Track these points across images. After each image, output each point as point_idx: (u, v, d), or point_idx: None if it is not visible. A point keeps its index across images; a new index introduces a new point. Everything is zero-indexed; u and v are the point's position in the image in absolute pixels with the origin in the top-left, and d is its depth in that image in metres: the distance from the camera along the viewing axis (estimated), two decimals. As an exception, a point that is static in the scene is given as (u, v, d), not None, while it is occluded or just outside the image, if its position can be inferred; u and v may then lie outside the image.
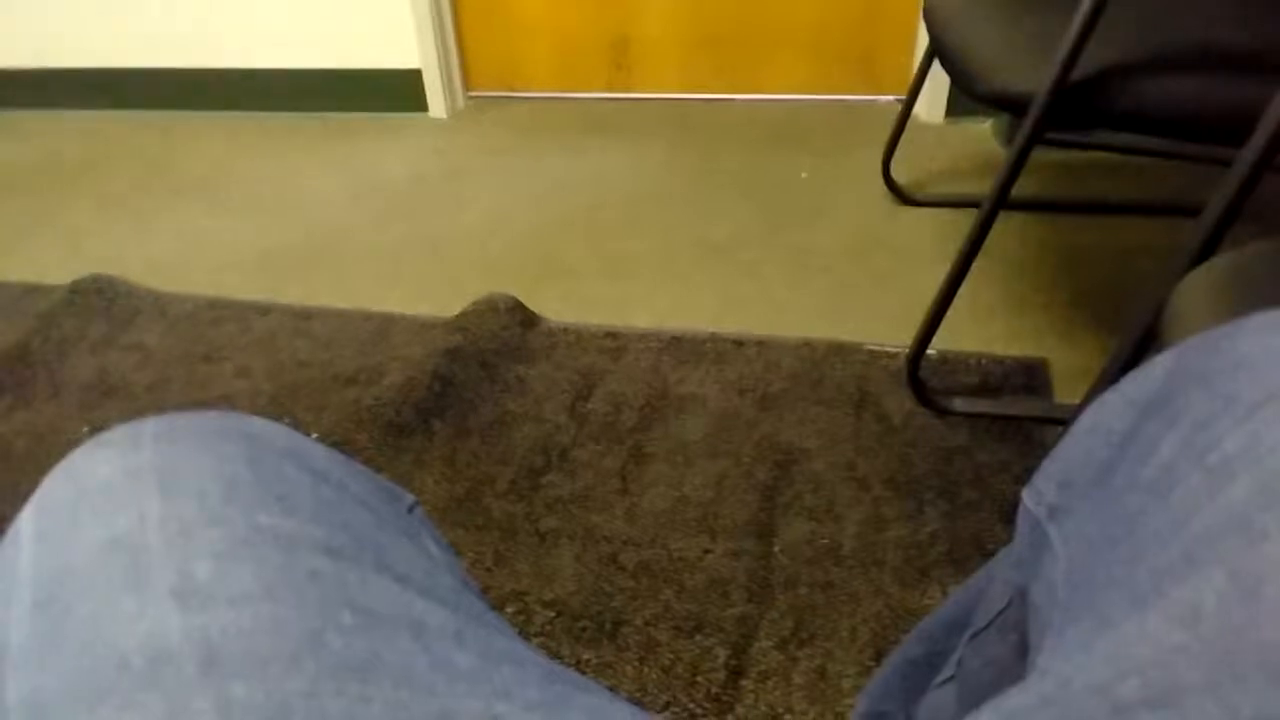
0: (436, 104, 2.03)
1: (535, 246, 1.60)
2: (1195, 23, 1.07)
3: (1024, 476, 0.41)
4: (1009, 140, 1.80)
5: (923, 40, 1.82)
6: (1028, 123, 0.98)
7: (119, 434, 0.36)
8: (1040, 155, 1.72)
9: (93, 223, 1.74)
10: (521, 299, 1.41)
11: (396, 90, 2.03)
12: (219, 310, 1.44)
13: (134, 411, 1.24)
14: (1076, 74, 0.96)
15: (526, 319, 1.38)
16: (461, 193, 1.77)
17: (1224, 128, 0.94)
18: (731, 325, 1.36)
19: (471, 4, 2.00)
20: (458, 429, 1.16)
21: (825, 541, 0.97)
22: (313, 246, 1.63)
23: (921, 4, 1.73)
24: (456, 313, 1.39)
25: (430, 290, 1.49)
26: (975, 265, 1.12)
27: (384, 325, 1.39)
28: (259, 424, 0.39)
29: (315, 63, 2.03)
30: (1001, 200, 1.06)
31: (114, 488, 0.33)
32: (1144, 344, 0.87)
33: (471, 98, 2.11)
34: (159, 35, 2.03)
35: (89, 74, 2.10)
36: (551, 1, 1.98)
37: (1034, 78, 0.98)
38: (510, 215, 1.69)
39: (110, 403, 1.26)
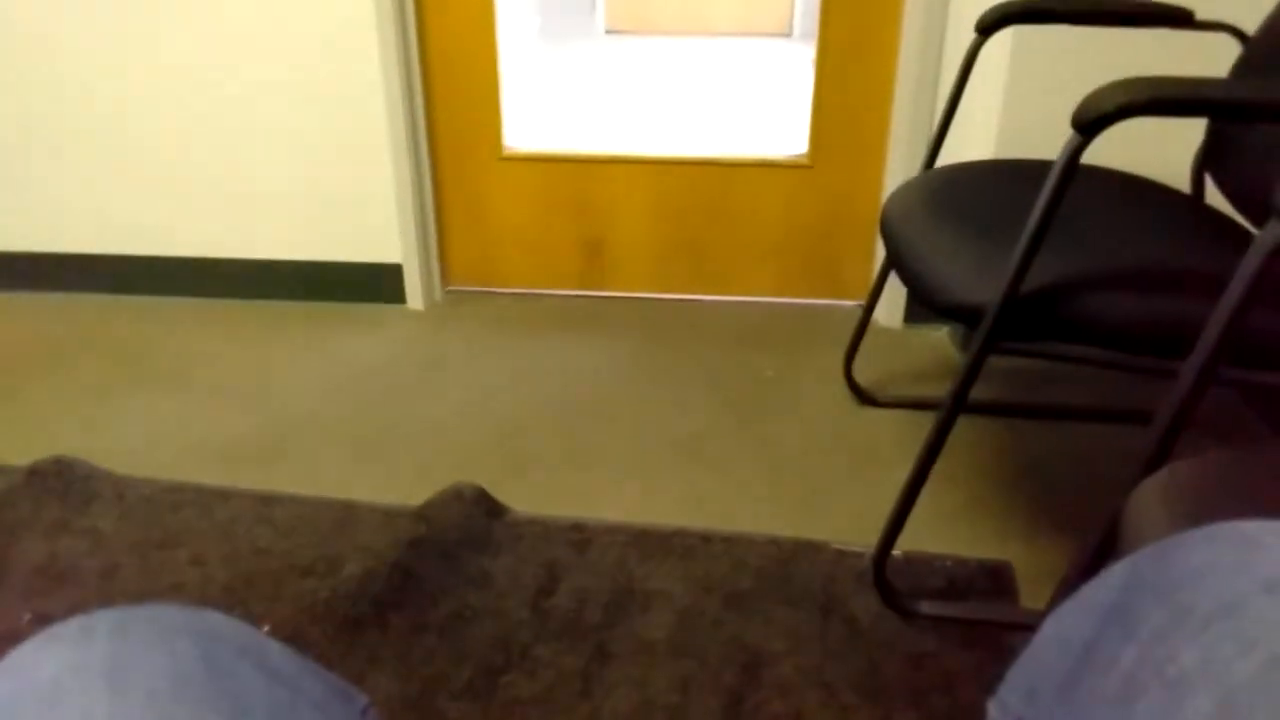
0: (414, 297, 2.09)
1: (505, 437, 1.61)
2: (1136, 242, 1.15)
3: (992, 683, 0.40)
4: (965, 347, 1.87)
5: (881, 251, 1.92)
6: (980, 333, 1.03)
7: (71, 628, 0.35)
8: (997, 360, 1.79)
9: (60, 405, 1.73)
10: (488, 489, 1.40)
11: (376, 282, 2.09)
12: (179, 495, 1.42)
13: (80, 599, 1.20)
14: (1025, 288, 1.01)
15: (492, 509, 1.37)
16: (434, 383, 1.79)
17: (1167, 341, 0.99)
18: (698, 520, 1.36)
19: (453, 205, 2.10)
20: (415, 623, 1.13)
21: (793, 751, 0.93)
22: (281, 434, 1.63)
23: (879, 217, 1.84)
24: (422, 502, 1.38)
25: (397, 479, 1.49)
26: (936, 467, 1.15)
27: (346, 514, 1.37)
28: (215, 619, 0.38)
29: (296, 254, 2.10)
30: (958, 405, 1.09)
31: (60, 686, 0.32)
32: (1103, 550, 0.88)
33: (449, 292, 2.17)
34: (139, 224, 2.10)
35: (66, 259, 2.15)
36: (530, 204, 2.09)
37: (985, 291, 1.03)
38: (481, 406, 1.71)
39: (57, 590, 1.21)
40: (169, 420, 1.68)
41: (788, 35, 4.93)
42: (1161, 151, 1.52)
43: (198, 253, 2.12)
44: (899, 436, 1.59)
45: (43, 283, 2.18)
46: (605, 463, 1.53)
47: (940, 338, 1.93)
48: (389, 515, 1.36)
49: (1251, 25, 1.34)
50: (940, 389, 1.74)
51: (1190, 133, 1.40)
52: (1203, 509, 0.63)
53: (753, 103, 3.92)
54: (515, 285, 2.17)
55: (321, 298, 2.13)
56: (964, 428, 1.60)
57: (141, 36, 1.91)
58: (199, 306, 2.12)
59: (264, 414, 1.69)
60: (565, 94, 4.05)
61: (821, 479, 1.48)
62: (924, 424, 1.61)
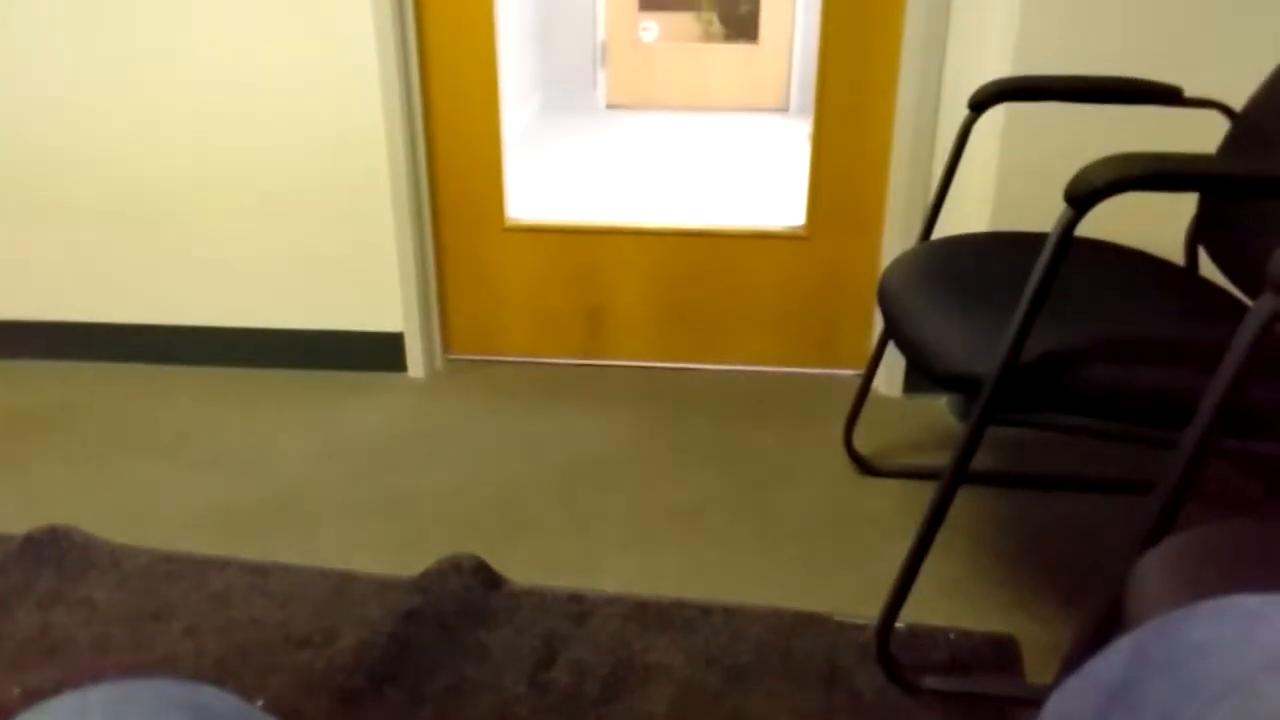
0: (415, 365, 2.10)
1: (503, 506, 1.60)
2: (1132, 313, 1.16)
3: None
4: (964, 416, 1.87)
5: (879, 320, 1.93)
6: (979, 404, 1.03)
7: (65, 703, 0.35)
8: (997, 430, 1.79)
9: (58, 473, 1.73)
10: (486, 559, 1.39)
11: (376, 351, 2.10)
12: (174, 565, 1.41)
13: (71, 672, 1.18)
14: (1023, 358, 1.02)
15: (490, 580, 1.35)
16: (434, 452, 1.79)
17: (1166, 412, 0.99)
18: (698, 591, 1.35)
19: (456, 274, 2.12)
20: (411, 696, 1.11)
21: (796, 832, 0.91)
22: (279, 502, 1.62)
23: (877, 288, 1.85)
24: (419, 572, 1.37)
25: (395, 549, 1.47)
26: (939, 538, 1.14)
27: (343, 584, 1.36)
28: (209, 694, 0.38)
29: (297, 323, 2.11)
30: (959, 476, 1.09)
31: (55, 763, 0.31)
32: (1107, 623, 0.87)
33: (450, 360, 2.18)
34: (139, 291, 2.11)
35: (64, 327, 2.16)
36: (531, 274, 2.11)
37: (983, 361, 1.04)
38: (481, 474, 1.70)
39: (48, 661, 1.20)
40: (167, 488, 1.67)
41: (784, 110, 5.03)
42: (1155, 224, 1.54)
43: (198, 321, 2.13)
44: (900, 506, 1.59)
45: (42, 350, 2.19)
46: (605, 532, 1.52)
47: (940, 407, 1.94)
48: (386, 586, 1.35)
49: (1238, 102, 1.38)
50: (941, 458, 1.73)
51: (1183, 206, 1.43)
52: (1206, 582, 0.63)
53: (751, 175, 3.99)
54: (516, 353, 2.18)
55: (322, 366, 2.13)
56: (965, 498, 1.59)
57: (143, 104, 1.95)
58: (199, 375, 2.12)
59: (262, 483, 1.68)
60: (567, 166, 4.12)
61: (823, 549, 1.47)
62: (925, 494, 1.60)
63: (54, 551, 1.43)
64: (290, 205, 2.01)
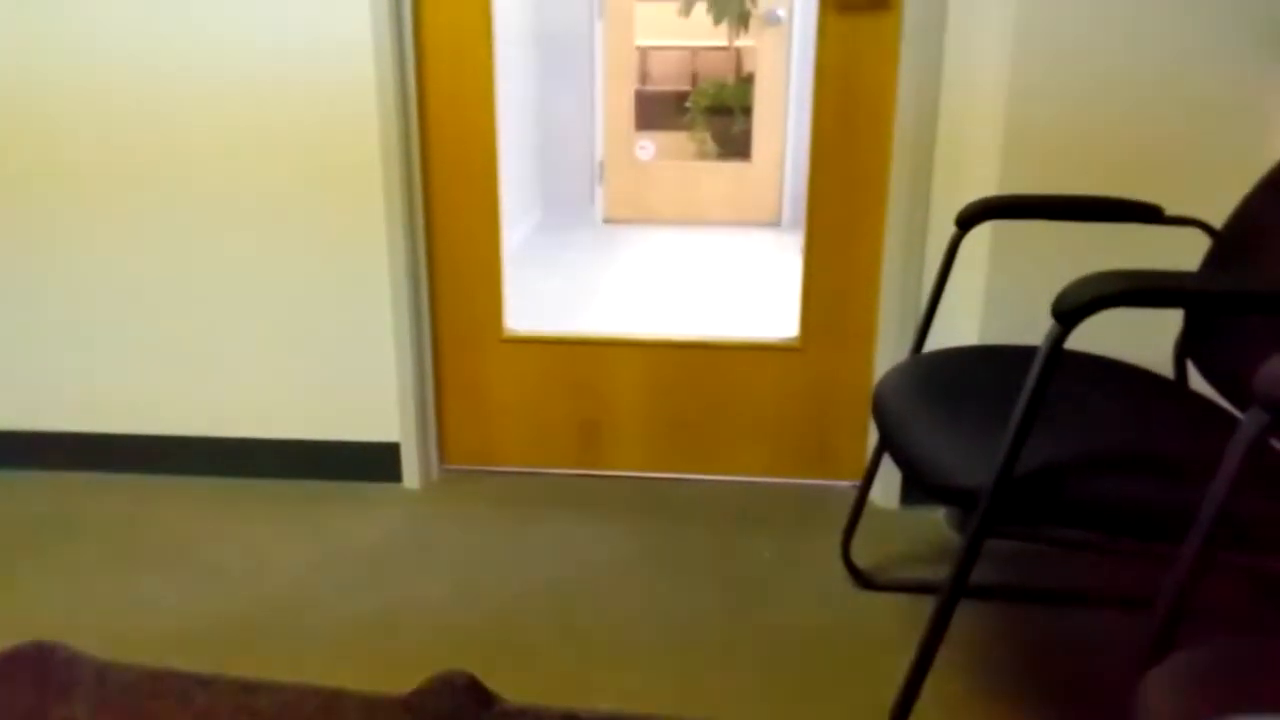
0: (411, 476, 2.09)
1: (498, 622, 1.57)
2: (1125, 427, 1.17)
3: None
4: (961, 529, 1.86)
5: (874, 432, 1.94)
6: (975, 517, 1.03)
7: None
8: (996, 543, 1.78)
9: (44, 586, 1.70)
10: (480, 677, 1.36)
11: (372, 461, 2.10)
12: (160, 682, 1.37)
13: (46, 796, 1.14)
14: (1018, 471, 1.03)
15: (482, 698, 1.32)
16: (428, 565, 1.77)
17: (1162, 526, 0.99)
18: (695, 710, 1.31)
19: (453, 385, 2.14)
20: (399, 824, 1.07)
21: None
22: (270, 616, 1.59)
23: (871, 400, 1.87)
24: (410, 690, 1.34)
25: (386, 665, 1.44)
26: (939, 654, 1.12)
27: (331, 701, 1.32)
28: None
29: (294, 434, 2.11)
30: (958, 591, 1.08)
31: None
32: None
33: (446, 470, 2.17)
34: (133, 401, 2.12)
35: (54, 437, 2.16)
36: (528, 385, 2.12)
37: (978, 474, 1.04)
38: (475, 589, 1.68)
39: (22, 785, 1.15)
40: (157, 602, 1.64)
41: (777, 225, 5.15)
42: (1145, 337, 1.57)
43: (191, 431, 2.13)
44: (900, 621, 1.56)
45: (31, 461, 2.18)
46: (601, 649, 1.49)
47: (937, 520, 1.93)
48: (374, 705, 1.31)
49: (1218, 220, 1.42)
50: (940, 571, 1.72)
51: (1171, 318, 1.46)
52: (1208, 703, 0.62)
53: (745, 288, 4.05)
54: (512, 464, 2.17)
55: (317, 476, 2.12)
56: (965, 612, 1.57)
57: (136, 210, 2.00)
58: (192, 485, 2.11)
59: (253, 596, 1.66)
60: (565, 279, 4.19)
61: (822, 667, 1.44)
62: (925, 608, 1.58)
63: (37, 669, 1.39)
64: (288, 315, 2.03)
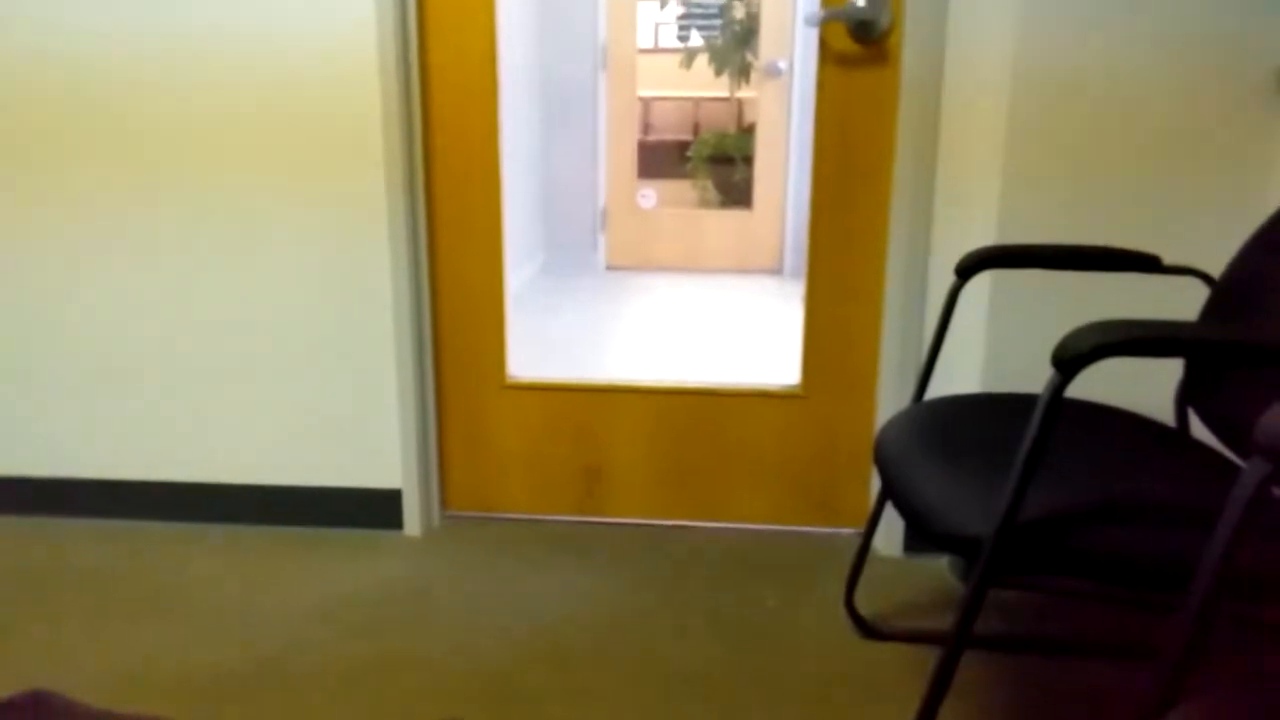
0: (412, 522, 2.09)
1: (497, 672, 1.56)
2: (1128, 475, 1.17)
3: None
4: (965, 578, 1.85)
5: (877, 479, 1.93)
6: (979, 566, 1.02)
7: None
8: (1001, 592, 1.77)
9: (41, 634, 1.69)
10: (478, 728, 1.35)
11: (373, 508, 2.10)
12: (156, 731, 1.36)
13: None
14: (1020, 520, 1.02)
15: (482, 750, 1.30)
16: (427, 613, 1.76)
17: (1167, 575, 0.99)
18: (697, 763, 1.30)
19: (455, 431, 2.14)
20: None
21: None
22: (269, 665, 1.58)
23: (873, 448, 1.87)
24: (409, 741, 1.32)
25: (385, 715, 1.43)
26: (944, 705, 1.11)
27: (330, 753, 1.31)
28: None
29: (294, 480, 2.11)
30: (962, 641, 1.07)
31: None
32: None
33: (447, 517, 2.17)
34: (135, 448, 2.12)
35: (50, 483, 2.16)
36: (531, 431, 2.12)
37: (981, 523, 1.04)
38: (475, 638, 1.67)
39: (14, 837, 1.14)
40: (154, 650, 1.63)
41: (779, 272, 5.18)
42: (1146, 385, 1.57)
43: (192, 477, 2.13)
44: (904, 671, 1.55)
45: (30, 507, 2.18)
46: (601, 700, 1.48)
47: (941, 568, 1.91)
48: (374, 755, 1.30)
49: (1216, 269, 1.43)
50: (944, 620, 1.70)
51: (1173, 365, 1.46)
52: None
53: (747, 335, 4.06)
54: (514, 510, 2.17)
55: (318, 523, 2.12)
56: (970, 662, 1.55)
57: (136, 261, 2.02)
58: (190, 532, 2.11)
59: (250, 644, 1.64)
60: (568, 325, 4.20)
61: (825, 717, 1.42)
62: (929, 658, 1.57)
63: (35, 717, 1.38)
64: (290, 359, 2.04)
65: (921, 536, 1.11)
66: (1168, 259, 1.50)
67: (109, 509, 2.16)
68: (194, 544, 2.05)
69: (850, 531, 2.07)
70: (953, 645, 1.08)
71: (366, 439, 2.07)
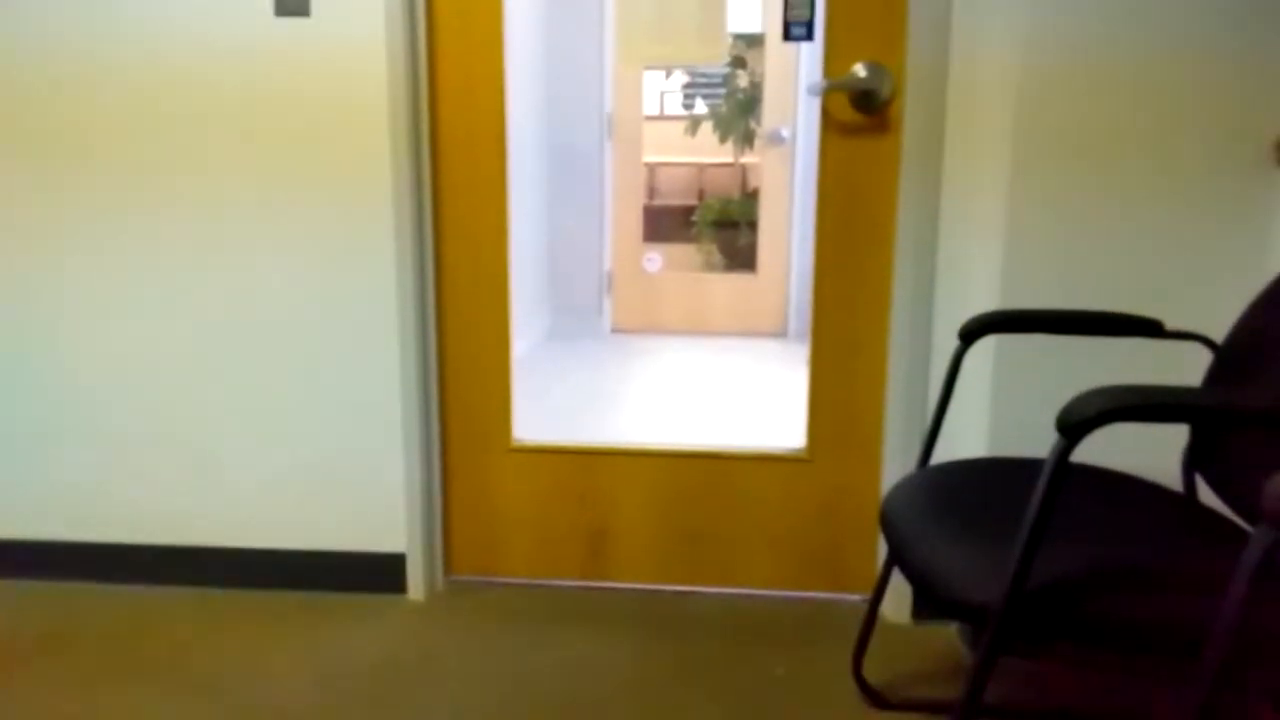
0: (416, 587, 2.07)
1: (499, 740, 1.53)
2: (1137, 542, 1.16)
3: None
4: (974, 646, 1.82)
5: (883, 545, 1.92)
6: (987, 634, 1.01)
7: None
8: (1011, 660, 1.74)
9: (44, 700, 1.67)
10: (480, 799, 1.32)
11: (376, 572, 2.08)
12: (152, 802, 1.33)
13: None
14: (1029, 587, 1.02)
15: (483, 823, 1.28)
16: (429, 682, 1.73)
17: (1176, 643, 0.98)
18: (704, 837, 1.27)
19: (460, 494, 2.13)
20: None
21: None
22: (266, 732, 1.56)
23: (879, 514, 1.85)
24: (409, 813, 1.30)
25: (383, 786, 1.40)
26: (955, 778, 1.09)
27: (328, 826, 1.28)
28: None
29: (298, 544, 2.10)
30: (972, 711, 1.06)
31: None
32: None
33: (451, 581, 2.15)
34: (134, 512, 2.11)
35: (53, 547, 2.14)
36: (536, 495, 2.12)
37: (988, 590, 1.03)
38: (477, 708, 1.64)
39: None
40: (153, 716, 1.61)
41: (783, 335, 5.20)
42: (1153, 447, 1.57)
43: (193, 541, 2.11)
44: (914, 742, 1.52)
45: (28, 570, 2.16)
46: (605, 769, 1.45)
47: (950, 635, 1.89)
48: (373, 828, 1.27)
49: (1218, 334, 1.44)
50: (953, 689, 1.67)
51: (1179, 429, 1.46)
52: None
53: (752, 398, 4.07)
54: (518, 575, 2.15)
55: (320, 588, 2.10)
56: (981, 733, 1.52)
57: (141, 321, 2.03)
58: (189, 596, 2.09)
59: (252, 712, 1.62)
60: (573, 388, 4.21)
61: (834, 790, 1.39)
62: (939, 729, 1.54)
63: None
64: (292, 421, 2.05)
65: (930, 603, 1.10)
66: (1171, 322, 1.51)
67: (100, 572, 2.14)
68: (191, 609, 2.03)
69: (858, 598, 2.05)
70: (962, 714, 1.06)
71: (370, 501, 2.07)
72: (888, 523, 1.29)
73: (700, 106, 5.35)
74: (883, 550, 1.96)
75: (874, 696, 1.65)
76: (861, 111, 1.87)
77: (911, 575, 1.17)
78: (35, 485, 2.13)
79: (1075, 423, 0.96)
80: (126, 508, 2.12)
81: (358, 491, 2.06)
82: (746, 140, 5.14)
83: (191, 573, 2.13)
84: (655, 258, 5.15)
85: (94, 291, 2.02)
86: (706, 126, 5.26)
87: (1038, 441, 1.71)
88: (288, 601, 2.06)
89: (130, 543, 2.13)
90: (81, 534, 2.14)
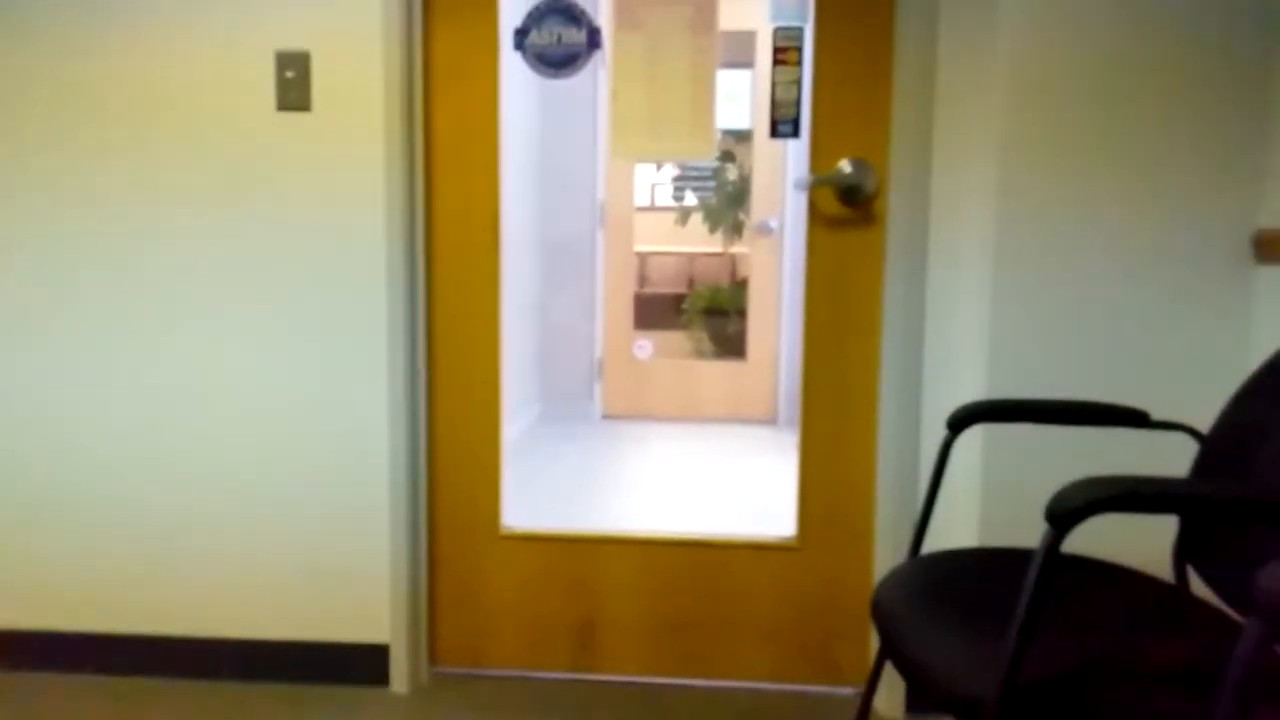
0: (399, 679, 2.03)
1: (483, 841, 1.48)
2: (1128, 634, 1.15)
3: None
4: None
5: (875, 635, 1.89)
6: (982, 728, 1.00)
7: None
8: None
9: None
10: None
11: (359, 663, 2.04)
12: None
13: None
14: (1022, 680, 1.00)
15: None
16: (411, 775, 1.68)
17: (1174, 739, 0.96)
18: None
19: (447, 583, 2.10)
20: None
21: None
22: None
23: (870, 605, 1.83)
24: None
25: None
26: None
27: None
28: None
29: (276, 634, 2.06)
30: (969, 808, 1.03)
31: None
32: None
33: (436, 673, 2.11)
34: (112, 600, 2.07)
35: (39, 637, 2.10)
36: (524, 584, 2.09)
37: (982, 683, 1.02)
38: (460, 803, 1.59)
39: None
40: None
41: (773, 422, 5.21)
42: (1144, 539, 1.57)
43: (172, 630, 2.07)
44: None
45: (16, 663, 2.11)
46: None
47: (945, 730, 1.85)
48: None
49: (1203, 424, 1.45)
50: (950, 788, 1.63)
51: (1170, 520, 1.46)
52: None
53: (742, 485, 4.05)
54: (505, 666, 2.11)
55: (302, 680, 2.05)
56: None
57: (130, 406, 2.02)
58: (167, 688, 2.04)
59: (226, 810, 1.57)
60: (563, 473, 4.19)
61: None
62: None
63: None
64: (276, 508, 2.03)
65: (923, 697, 1.09)
66: (1156, 411, 1.52)
67: (72, 663, 2.09)
68: (169, 701, 1.98)
69: (850, 690, 2.01)
70: (959, 814, 1.04)
71: (355, 591, 2.04)
72: (879, 614, 1.28)
73: (690, 198, 5.47)
74: (875, 641, 1.93)
75: (868, 795, 1.61)
76: (847, 205, 1.91)
77: (903, 668, 1.15)
78: (12, 575, 2.09)
79: (1064, 513, 0.96)
80: (94, 597, 2.08)
81: (342, 581, 2.04)
82: (736, 231, 5.24)
83: (167, 664, 2.08)
84: (646, 344, 5.19)
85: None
86: (696, 217, 5.36)
87: (1029, 528, 1.71)
88: (267, 694, 2.01)
89: (105, 632, 2.09)
90: (44, 623, 2.09)
